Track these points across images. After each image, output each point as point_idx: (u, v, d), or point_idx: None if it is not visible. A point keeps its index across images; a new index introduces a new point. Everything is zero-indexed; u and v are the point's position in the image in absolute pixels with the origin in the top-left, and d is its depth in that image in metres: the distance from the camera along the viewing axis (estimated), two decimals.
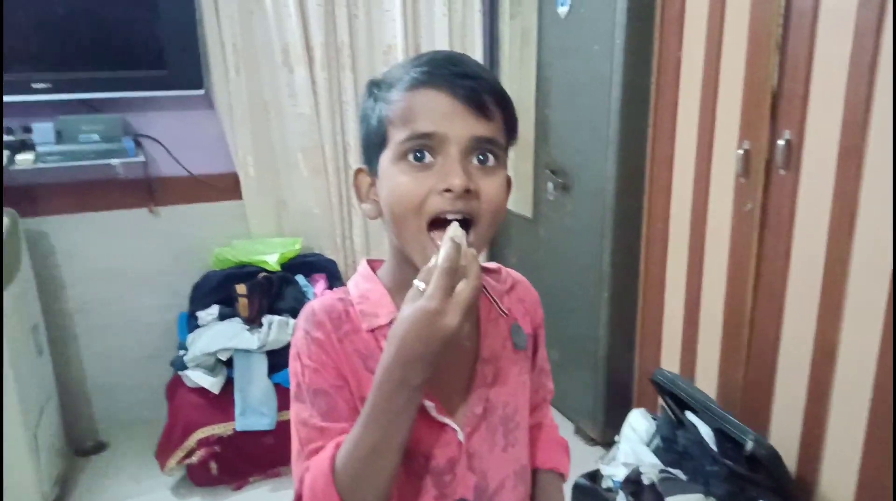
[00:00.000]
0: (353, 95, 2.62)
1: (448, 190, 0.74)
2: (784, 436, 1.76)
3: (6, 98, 2.16)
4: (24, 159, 2.15)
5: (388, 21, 2.65)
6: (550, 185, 2.51)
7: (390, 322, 0.79)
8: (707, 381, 2.03)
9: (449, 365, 0.79)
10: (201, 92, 2.41)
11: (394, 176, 0.77)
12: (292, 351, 0.83)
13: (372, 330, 0.83)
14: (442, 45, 2.71)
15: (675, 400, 1.93)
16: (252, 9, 2.46)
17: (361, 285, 0.88)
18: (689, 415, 1.86)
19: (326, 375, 0.81)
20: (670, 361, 2.19)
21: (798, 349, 1.70)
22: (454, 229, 0.72)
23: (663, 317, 2.21)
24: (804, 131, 1.63)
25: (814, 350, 1.65)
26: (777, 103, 1.69)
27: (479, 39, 2.79)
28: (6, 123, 2.25)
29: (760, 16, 1.70)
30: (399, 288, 0.81)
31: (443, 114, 0.75)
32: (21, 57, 2.19)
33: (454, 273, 0.68)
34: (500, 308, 0.92)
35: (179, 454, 2.20)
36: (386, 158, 0.79)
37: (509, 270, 1.00)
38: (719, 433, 1.75)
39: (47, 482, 2.11)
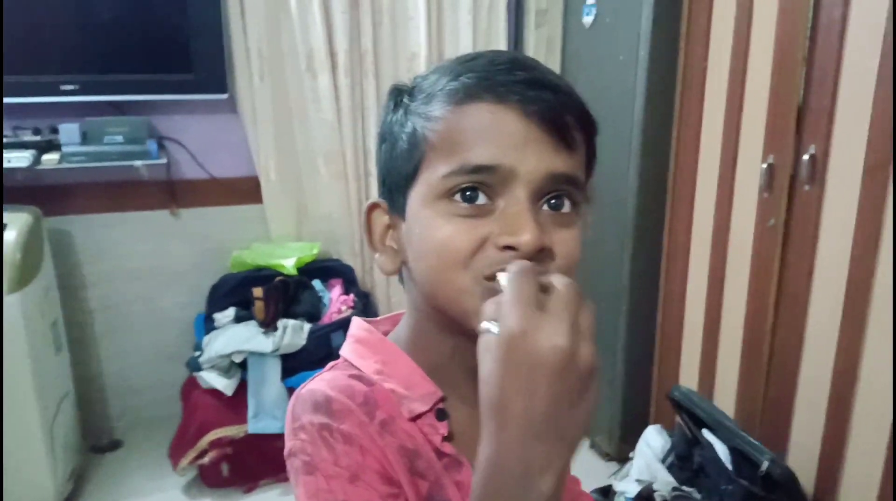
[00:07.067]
0: (374, 102, 2.62)
1: (511, 247, 0.53)
2: (802, 456, 1.72)
3: (35, 100, 2.20)
4: (49, 159, 2.18)
5: (413, 28, 2.64)
6: None
7: (433, 408, 0.59)
8: (726, 398, 1.99)
9: None
10: (225, 96, 2.43)
11: (430, 221, 0.56)
12: (295, 463, 0.56)
13: (413, 419, 0.60)
14: (466, 52, 2.69)
15: (692, 417, 1.90)
16: (278, 15, 2.48)
17: (369, 356, 0.62)
18: (706, 433, 1.82)
19: (373, 482, 0.54)
20: (689, 377, 2.15)
21: (819, 369, 1.65)
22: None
23: (683, 332, 2.17)
24: (830, 146, 1.59)
25: (835, 370, 1.61)
26: (803, 117, 1.66)
27: (503, 48, 2.77)
28: (35, 123, 2.29)
29: (788, 28, 1.67)
30: (434, 368, 0.61)
31: (511, 140, 0.54)
32: (50, 59, 2.23)
33: (533, 279, 0.47)
34: None
35: (192, 454, 2.20)
36: (418, 195, 0.58)
37: None
38: (735, 452, 1.71)
39: (62, 476, 2.13)
